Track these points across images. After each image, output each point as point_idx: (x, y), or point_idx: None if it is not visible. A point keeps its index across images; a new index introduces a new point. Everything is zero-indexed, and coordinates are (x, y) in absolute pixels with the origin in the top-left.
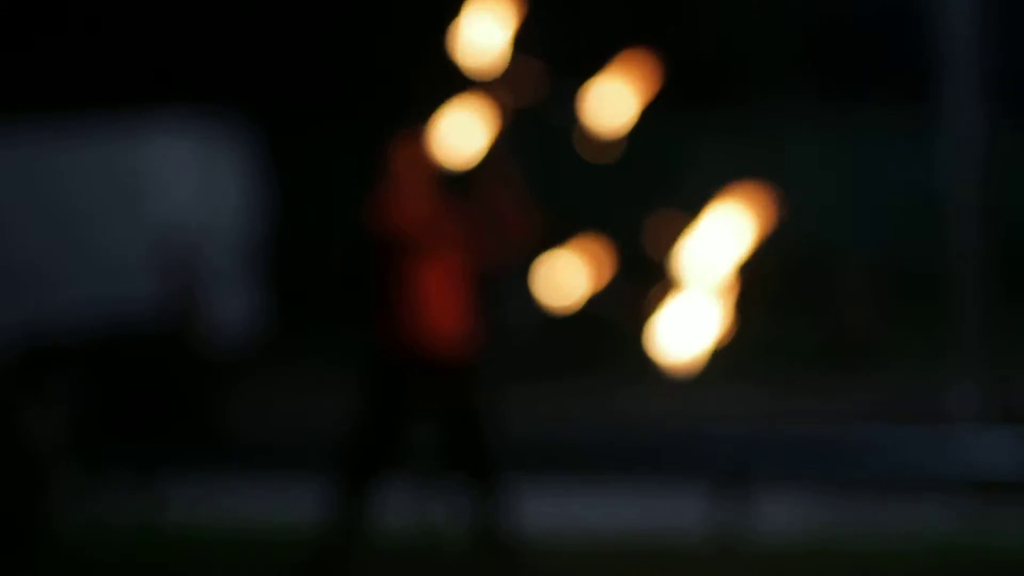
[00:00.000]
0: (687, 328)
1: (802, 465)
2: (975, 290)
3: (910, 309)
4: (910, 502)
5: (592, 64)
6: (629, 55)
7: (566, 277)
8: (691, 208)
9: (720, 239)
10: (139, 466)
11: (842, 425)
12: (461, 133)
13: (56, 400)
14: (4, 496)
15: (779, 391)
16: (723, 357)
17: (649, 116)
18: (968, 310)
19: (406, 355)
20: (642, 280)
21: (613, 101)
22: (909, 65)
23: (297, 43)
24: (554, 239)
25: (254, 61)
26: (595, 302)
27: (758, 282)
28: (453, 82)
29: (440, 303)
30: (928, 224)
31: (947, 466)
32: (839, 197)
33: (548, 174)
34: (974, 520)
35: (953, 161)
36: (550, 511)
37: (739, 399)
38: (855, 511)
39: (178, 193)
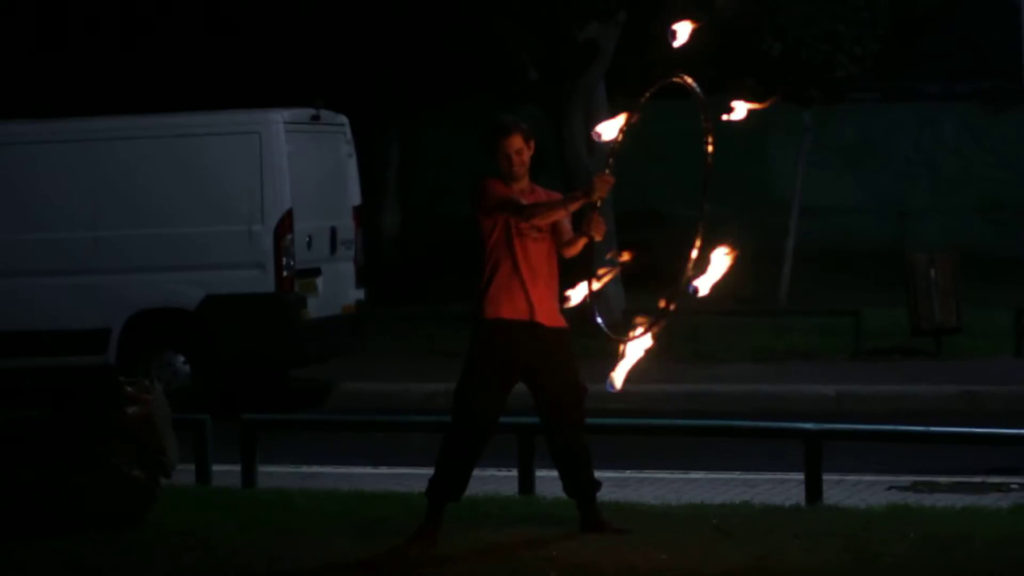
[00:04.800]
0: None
1: (877, 452)
2: None
3: (992, 294)
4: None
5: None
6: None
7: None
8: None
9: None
10: (240, 432)
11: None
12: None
13: (160, 371)
14: (115, 463)
15: (860, 374)
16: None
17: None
18: None
19: (507, 320)
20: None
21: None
22: (994, 55)
23: (403, 34)
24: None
25: (362, 51)
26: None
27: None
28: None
29: (537, 274)
30: (1013, 210)
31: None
32: (923, 185)
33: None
34: None
35: None
36: (630, 481)
37: (819, 382)
38: (929, 496)
39: (285, 177)
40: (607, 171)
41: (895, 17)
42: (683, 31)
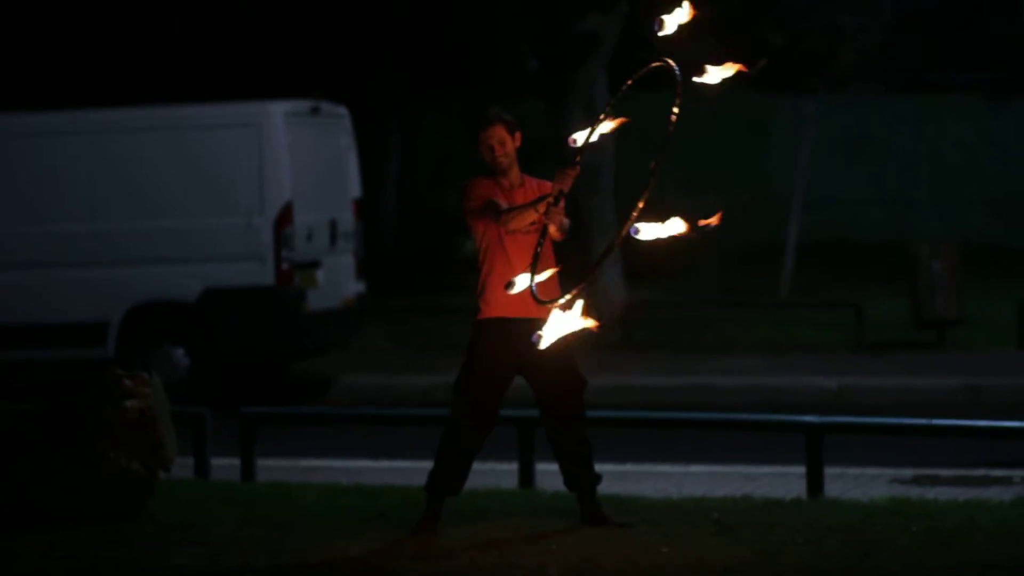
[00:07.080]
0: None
1: (879, 445)
2: None
3: (995, 286)
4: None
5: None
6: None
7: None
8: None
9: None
10: (239, 425)
11: (923, 405)
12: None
13: (159, 364)
14: (113, 457)
15: (862, 367)
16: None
17: (742, 101)
18: None
19: (505, 319)
20: None
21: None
22: (996, 47)
23: (402, 25)
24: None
25: (362, 42)
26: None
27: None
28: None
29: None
30: (1015, 201)
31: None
32: (925, 177)
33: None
34: None
35: None
36: (631, 474)
37: (821, 374)
38: (931, 489)
39: (285, 169)
40: (573, 165)
41: (897, 8)
42: (671, 22)
